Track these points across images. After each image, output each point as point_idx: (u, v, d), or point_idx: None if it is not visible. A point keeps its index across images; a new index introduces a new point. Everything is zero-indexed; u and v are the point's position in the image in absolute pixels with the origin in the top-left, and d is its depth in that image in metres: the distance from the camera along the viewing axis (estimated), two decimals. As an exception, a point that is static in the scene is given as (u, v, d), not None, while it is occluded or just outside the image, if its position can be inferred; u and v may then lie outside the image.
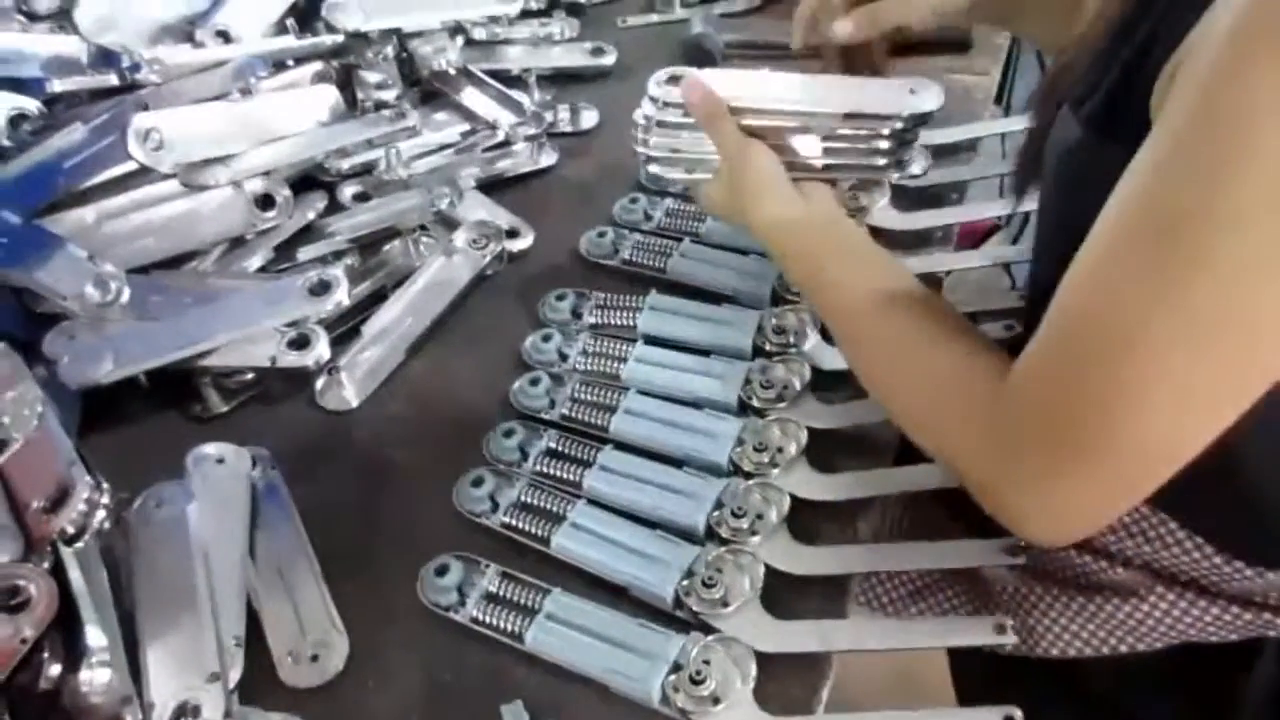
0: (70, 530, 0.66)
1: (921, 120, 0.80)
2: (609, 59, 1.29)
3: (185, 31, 1.11)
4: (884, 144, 0.81)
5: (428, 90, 1.19)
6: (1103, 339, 0.49)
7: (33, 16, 1.11)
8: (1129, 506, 0.54)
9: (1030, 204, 0.76)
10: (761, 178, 0.76)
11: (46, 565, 0.66)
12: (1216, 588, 0.71)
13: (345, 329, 0.92)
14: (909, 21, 0.93)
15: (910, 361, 0.64)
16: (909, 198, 1.00)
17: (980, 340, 0.63)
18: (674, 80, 0.81)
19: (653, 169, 0.85)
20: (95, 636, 0.63)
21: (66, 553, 0.66)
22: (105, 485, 0.69)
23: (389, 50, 1.14)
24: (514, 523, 0.74)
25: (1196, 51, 0.47)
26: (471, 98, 1.16)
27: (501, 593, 0.70)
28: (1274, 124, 0.42)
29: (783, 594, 0.68)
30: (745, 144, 0.76)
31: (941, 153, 1.06)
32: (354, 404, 0.87)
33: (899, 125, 0.80)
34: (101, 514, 0.68)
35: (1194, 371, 0.47)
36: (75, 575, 0.66)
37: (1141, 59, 0.53)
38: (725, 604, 0.66)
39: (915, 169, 0.91)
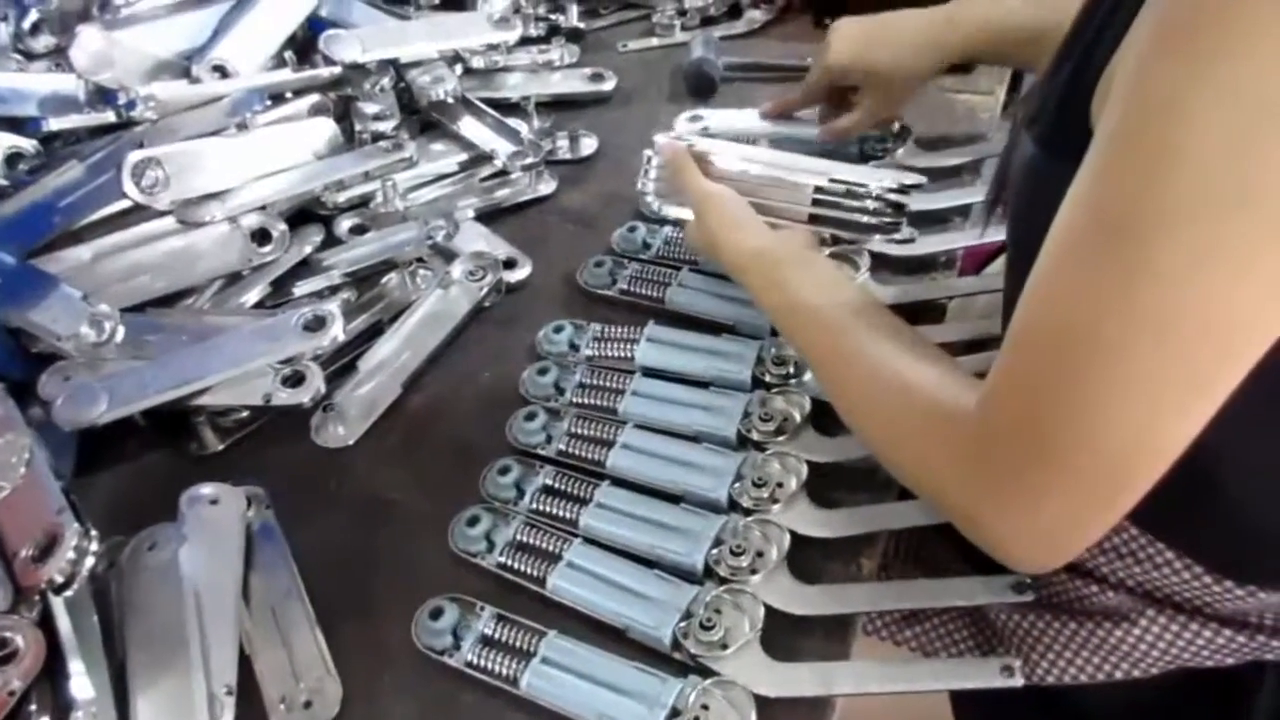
0: (59, 579, 0.66)
1: (901, 192, 0.85)
2: (608, 85, 1.28)
3: (182, 67, 1.11)
4: (870, 205, 0.85)
5: (426, 120, 1.19)
6: (1061, 349, 0.49)
7: (29, 55, 1.12)
8: (1114, 519, 0.52)
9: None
10: (726, 212, 0.81)
11: (35, 614, 0.65)
12: (1210, 609, 0.69)
13: (342, 363, 0.92)
14: (879, 115, 1.01)
15: (880, 388, 0.63)
16: (912, 224, 0.98)
17: (950, 364, 0.63)
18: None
19: (651, 200, 0.94)
20: (82, 689, 0.62)
21: (56, 602, 0.66)
22: (94, 532, 0.68)
23: (386, 81, 1.14)
24: (510, 563, 0.73)
25: (1125, 61, 0.48)
26: (469, 127, 1.16)
27: (497, 636, 0.69)
28: (1195, 119, 0.43)
29: (783, 634, 0.67)
30: (712, 187, 0.83)
31: (945, 174, 1.05)
32: (350, 441, 0.87)
33: (879, 192, 0.85)
34: (91, 561, 0.67)
35: (1154, 372, 0.46)
36: (64, 625, 0.66)
37: (1081, 72, 0.54)
38: (724, 646, 0.65)
39: (900, 236, 0.89)
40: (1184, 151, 0.43)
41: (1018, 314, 0.52)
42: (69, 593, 0.66)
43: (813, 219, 0.86)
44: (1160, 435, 0.48)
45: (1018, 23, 0.92)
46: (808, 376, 0.82)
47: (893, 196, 0.84)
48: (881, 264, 0.93)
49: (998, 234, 0.88)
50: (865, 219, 0.85)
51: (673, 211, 0.94)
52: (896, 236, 0.89)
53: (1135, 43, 0.48)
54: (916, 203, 0.99)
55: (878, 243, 0.92)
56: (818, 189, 0.85)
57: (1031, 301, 0.51)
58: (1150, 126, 0.44)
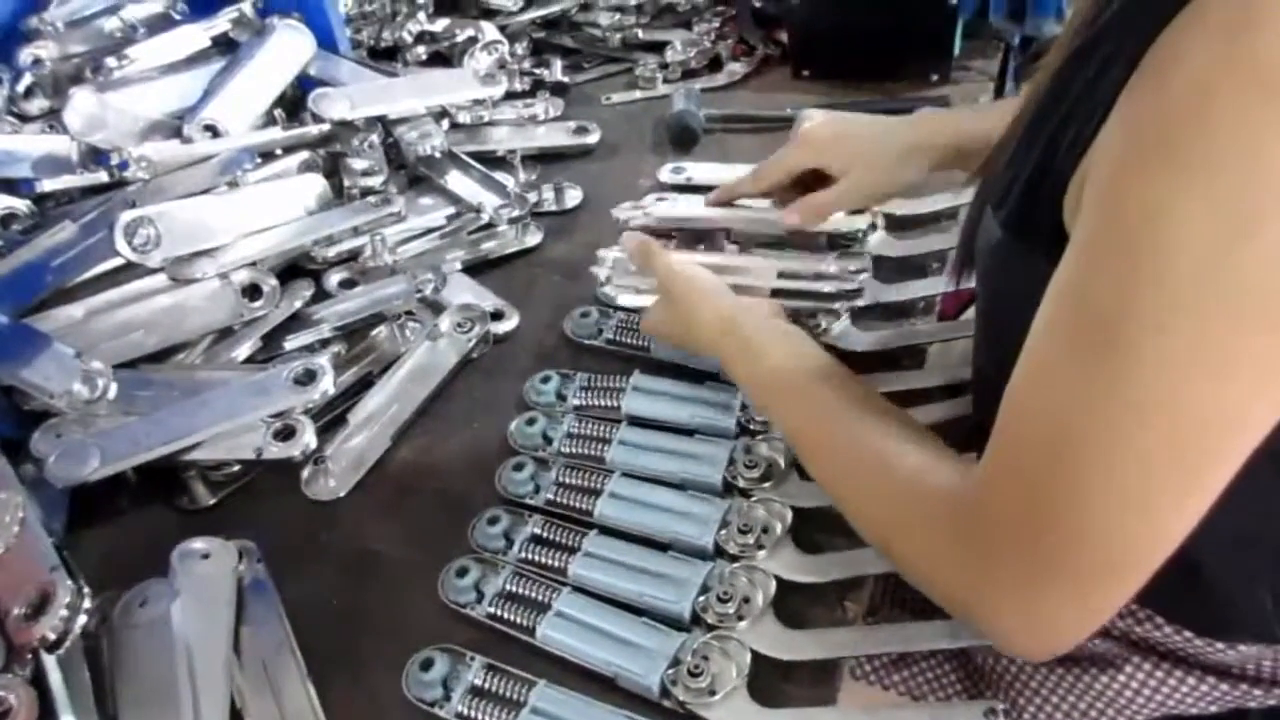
0: (51, 636, 0.66)
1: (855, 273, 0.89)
2: (593, 137, 1.31)
3: (174, 127, 1.12)
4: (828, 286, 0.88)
5: (414, 175, 1.21)
6: (1053, 448, 0.50)
7: (23, 118, 1.14)
8: (1115, 609, 0.53)
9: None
10: (695, 286, 0.82)
11: (27, 672, 0.66)
12: (1193, 659, 0.70)
13: (332, 416, 0.93)
14: (855, 206, 0.98)
15: (868, 472, 0.63)
16: (891, 268, 1.01)
17: (937, 446, 0.63)
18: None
19: (608, 290, 0.96)
20: (74, 747, 0.62)
21: (48, 660, 0.66)
22: (87, 590, 0.68)
23: (375, 138, 1.16)
24: (499, 613, 0.74)
25: (1096, 168, 0.49)
26: (456, 181, 1.17)
27: (487, 686, 0.69)
28: (1178, 227, 0.44)
29: (771, 680, 0.68)
30: (681, 264, 0.84)
31: (921, 222, 1.07)
32: (340, 493, 0.87)
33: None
34: (83, 618, 0.67)
35: (1148, 469, 0.47)
36: (56, 682, 0.66)
37: (1047, 164, 0.55)
38: (712, 693, 0.66)
39: (862, 301, 0.91)
40: (1168, 257, 0.44)
41: (1008, 409, 0.53)
42: (61, 651, 0.66)
43: (775, 293, 0.88)
44: (1157, 529, 0.49)
45: (978, 136, 0.88)
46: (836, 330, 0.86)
47: (849, 274, 0.87)
48: (862, 310, 0.95)
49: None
50: (827, 289, 0.88)
51: (629, 300, 0.95)
52: (859, 303, 0.91)
53: (1106, 148, 0.49)
54: (896, 250, 1.02)
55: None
56: (780, 274, 0.88)
57: (1021, 399, 0.52)
58: (1134, 234, 0.46)
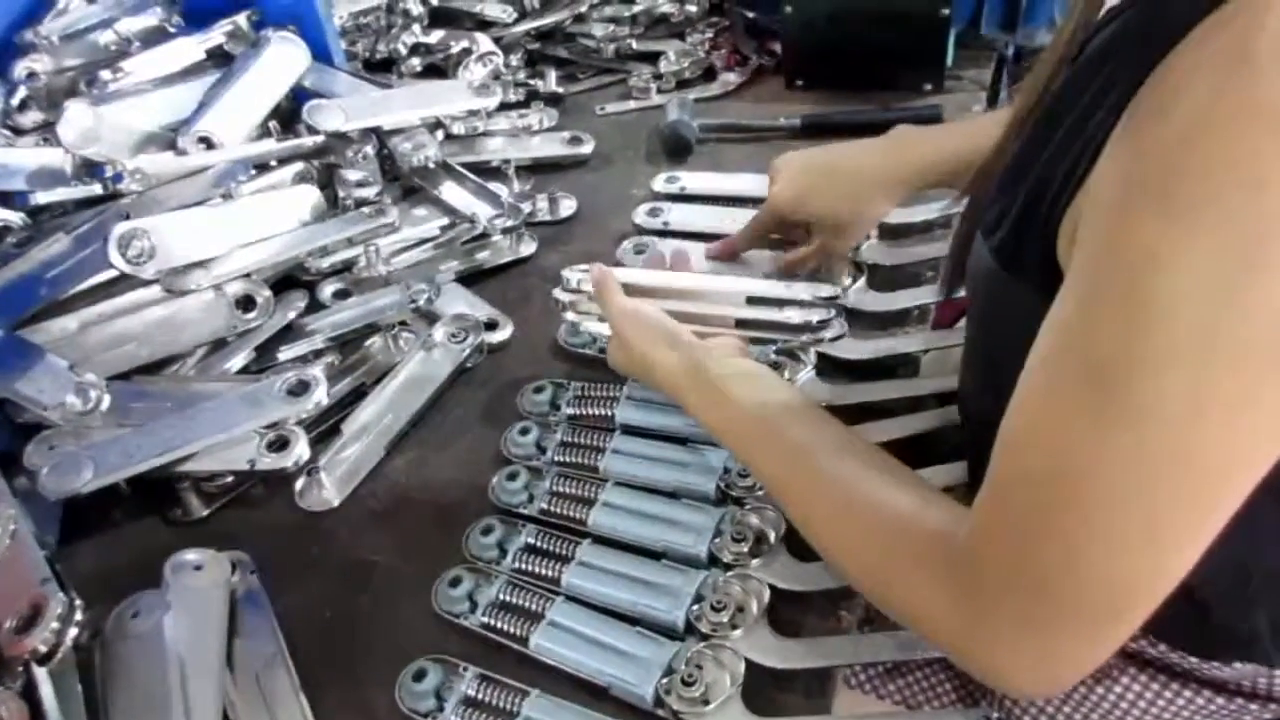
0: (43, 649, 0.66)
1: (826, 301, 0.86)
2: (587, 148, 1.31)
3: (168, 139, 1.13)
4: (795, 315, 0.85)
5: (408, 186, 1.22)
6: (1053, 492, 0.48)
7: (18, 131, 1.14)
8: (1116, 647, 0.52)
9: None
10: (649, 327, 0.78)
11: (18, 685, 0.66)
12: (1189, 674, 0.70)
13: (325, 427, 0.93)
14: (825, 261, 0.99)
15: (855, 516, 0.61)
16: (883, 278, 1.01)
17: (923, 487, 0.61)
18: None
19: (568, 316, 0.90)
20: (66, 760, 0.62)
21: (39, 673, 0.66)
22: (78, 602, 0.68)
23: (369, 149, 1.17)
24: (493, 622, 0.74)
25: (1092, 207, 0.49)
26: (450, 192, 1.18)
27: (480, 696, 0.69)
28: (1178, 271, 0.43)
29: (765, 689, 0.68)
30: (630, 304, 0.80)
31: (913, 230, 1.07)
32: (334, 503, 0.87)
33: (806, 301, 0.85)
34: (75, 631, 0.67)
35: (1149, 512, 0.46)
36: (47, 695, 0.66)
37: (1038, 197, 0.54)
38: (706, 702, 0.65)
39: (829, 333, 0.88)
40: (1168, 302, 0.43)
41: (1003, 451, 0.52)
42: (52, 664, 0.66)
43: (740, 324, 0.85)
44: (1160, 569, 0.48)
45: (960, 154, 0.89)
46: (801, 379, 0.84)
47: (820, 301, 0.84)
48: (856, 319, 0.96)
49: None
50: (796, 320, 0.85)
51: (593, 327, 0.90)
52: (827, 335, 0.88)
53: (1101, 186, 0.48)
54: (890, 259, 1.02)
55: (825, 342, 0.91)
56: (749, 299, 0.85)
57: (1016, 441, 0.51)
58: (1133, 278, 0.44)
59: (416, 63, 1.47)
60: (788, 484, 0.65)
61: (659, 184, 1.21)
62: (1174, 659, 0.69)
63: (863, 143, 0.97)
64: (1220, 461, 0.45)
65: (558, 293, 0.90)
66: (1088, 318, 0.47)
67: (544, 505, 0.82)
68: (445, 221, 1.16)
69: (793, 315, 0.84)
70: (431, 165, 1.19)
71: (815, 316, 0.84)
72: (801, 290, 0.85)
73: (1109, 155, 0.48)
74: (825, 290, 0.85)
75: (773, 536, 0.75)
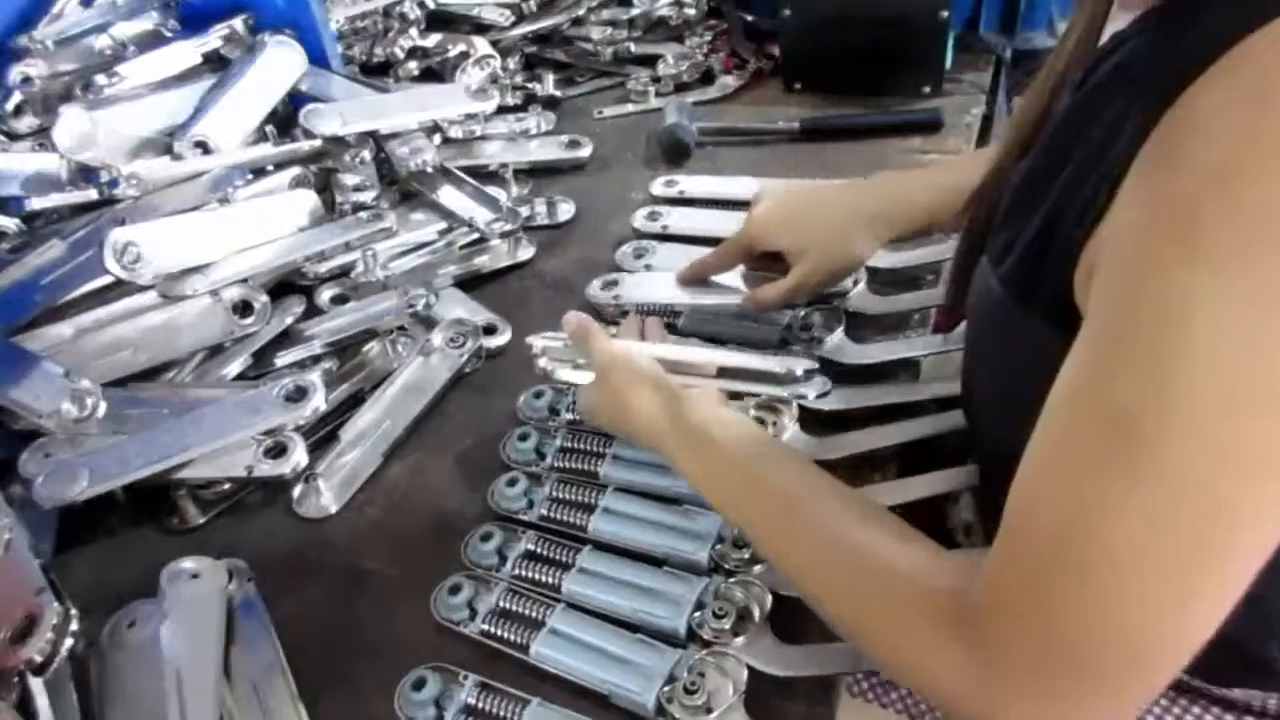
0: (38, 659, 0.65)
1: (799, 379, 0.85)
2: (585, 151, 1.31)
3: (164, 144, 1.12)
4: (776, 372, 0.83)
5: (405, 190, 1.21)
6: (1075, 547, 0.46)
7: (13, 136, 1.14)
8: (1143, 708, 0.50)
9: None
10: (634, 371, 0.76)
11: (14, 697, 0.65)
12: (1197, 691, 0.69)
13: (323, 433, 0.92)
14: (807, 296, 0.95)
15: (857, 570, 0.58)
16: (882, 280, 1.01)
17: (922, 541, 0.58)
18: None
19: (541, 363, 0.88)
20: (60, 772, 0.61)
21: (35, 683, 0.65)
22: (74, 611, 0.68)
23: (366, 153, 1.16)
24: (493, 630, 0.73)
25: (1111, 249, 0.47)
26: (448, 196, 1.17)
27: (480, 705, 0.69)
28: (1211, 322, 0.41)
29: (767, 697, 0.67)
30: (617, 348, 0.79)
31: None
32: (332, 510, 0.87)
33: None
34: (70, 641, 0.67)
35: (1176, 571, 0.44)
36: (43, 706, 0.65)
37: (1051, 229, 0.52)
38: (708, 710, 0.65)
39: (811, 392, 0.85)
40: (1200, 354, 0.42)
41: (1019, 505, 0.50)
42: (48, 674, 0.66)
43: (722, 371, 0.85)
44: (1191, 627, 0.46)
45: (945, 195, 0.87)
46: (786, 436, 0.82)
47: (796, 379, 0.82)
48: (857, 323, 0.95)
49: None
50: (778, 369, 0.83)
51: (567, 375, 0.87)
52: (810, 391, 0.84)
53: (1121, 227, 0.46)
54: (888, 262, 1.02)
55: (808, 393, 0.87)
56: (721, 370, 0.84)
57: (1034, 494, 0.49)
58: (1158, 329, 0.43)
59: (413, 66, 1.46)
60: (779, 538, 0.63)
61: (658, 188, 1.21)
62: (1183, 678, 0.68)
63: (847, 181, 0.96)
64: (1253, 514, 0.43)
65: (532, 339, 0.88)
66: (1109, 368, 0.45)
67: (544, 511, 0.81)
68: (443, 226, 1.15)
69: (775, 365, 0.82)
70: (429, 169, 1.19)
71: (799, 367, 0.82)
72: (776, 364, 0.82)
73: (1127, 195, 0.46)
74: (802, 365, 0.82)
75: (774, 542, 0.74)
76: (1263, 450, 0.42)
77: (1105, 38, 0.60)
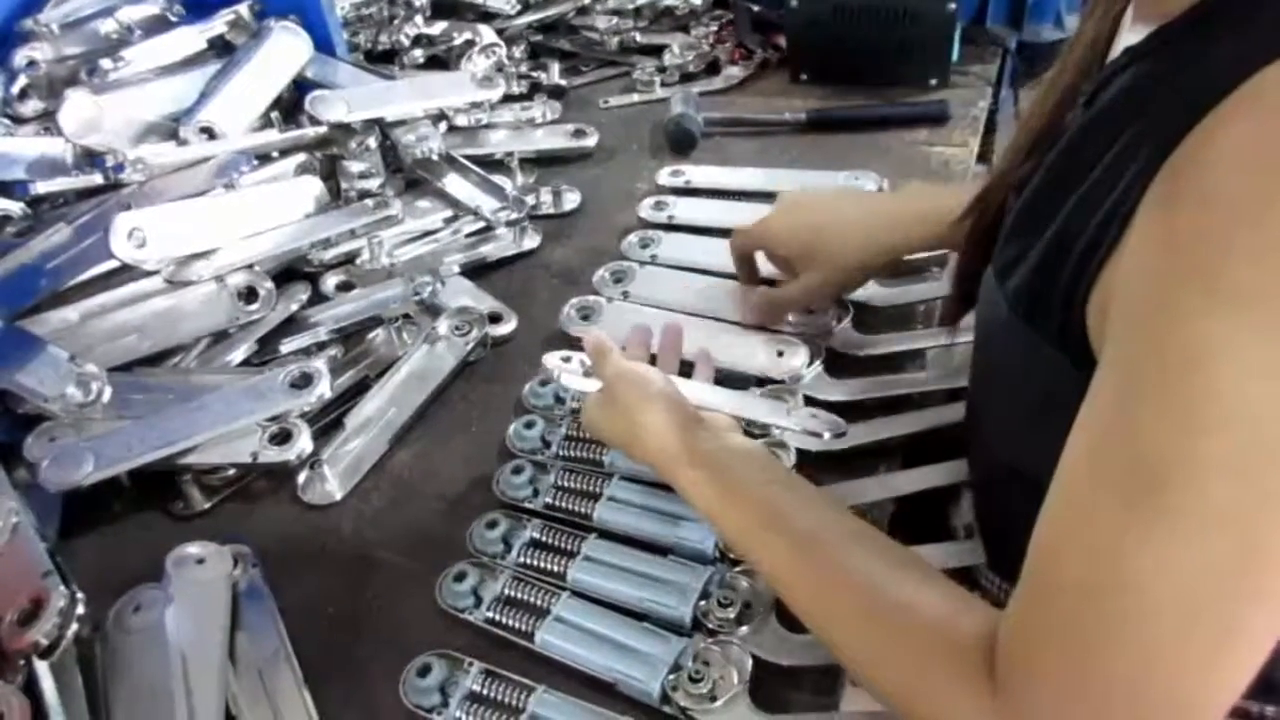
0: (44, 643, 0.65)
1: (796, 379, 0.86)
2: (591, 140, 1.30)
3: (170, 129, 1.12)
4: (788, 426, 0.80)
5: (411, 178, 1.21)
6: (1108, 603, 0.44)
7: (18, 120, 1.14)
8: None
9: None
10: (645, 390, 0.72)
11: (20, 680, 0.65)
12: None
13: (328, 420, 0.92)
14: (814, 304, 0.93)
15: (881, 615, 0.56)
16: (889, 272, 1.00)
17: (944, 583, 0.57)
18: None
19: (553, 370, 0.85)
20: (67, 755, 0.61)
21: (41, 667, 0.66)
22: (80, 595, 0.68)
23: (372, 140, 1.16)
24: (498, 618, 0.73)
25: (1126, 289, 0.46)
26: (454, 184, 1.17)
27: (485, 692, 0.69)
28: (1240, 366, 0.40)
29: (772, 686, 0.67)
30: (630, 366, 0.76)
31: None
32: (337, 497, 0.87)
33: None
34: (76, 625, 0.67)
35: (1219, 623, 0.43)
36: (49, 689, 0.65)
37: (1060, 253, 0.51)
38: (713, 698, 0.65)
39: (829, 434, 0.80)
40: (1226, 400, 0.41)
41: (1041, 554, 0.48)
42: (54, 657, 0.66)
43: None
44: (1229, 681, 0.44)
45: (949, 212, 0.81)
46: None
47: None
48: (862, 313, 0.95)
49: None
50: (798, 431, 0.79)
51: (577, 384, 0.83)
52: (825, 434, 0.79)
53: (1138, 263, 0.45)
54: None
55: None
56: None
57: (1057, 545, 0.48)
58: (1183, 375, 0.42)
59: (419, 54, 1.46)
60: (797, 578, 0.61)
61: (663, 178, 1.20)
62: None
63: (864, 197, 0.96)
64: None
65: (548, 359, 0.87)
66: (1133, 417, 0.44)
67: (549, 500, 0.81)
68: (449, 214, 1.15)
69: (794, 424, 0.79)
70: (435, 157, 1.18)
71: (825, 430, 0.78)
72: (794, 423, 0.79)
73: (1143, 230, 0.45)
74: (817, 425, 0.79)
75: (780, 533, 0.74)
76: None
77: (1118, 51, 0.58)
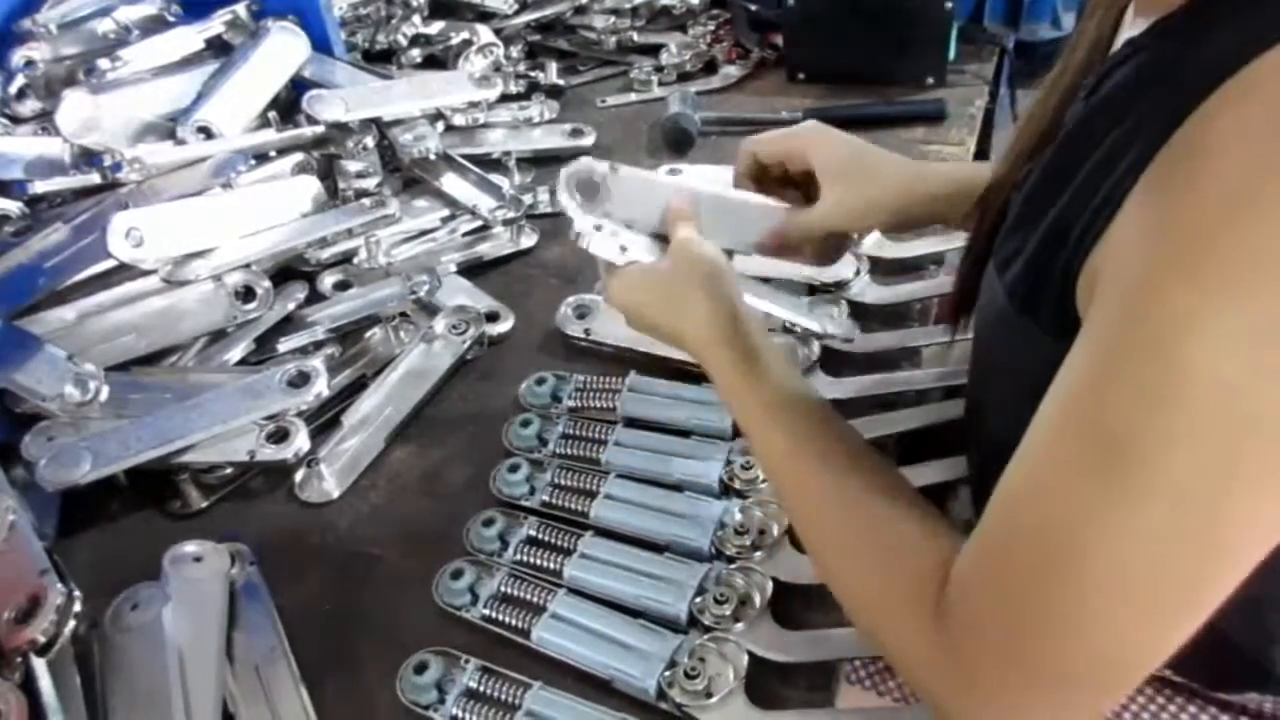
0: (42, 640, 0.65)
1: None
2: (588, 139, 1.31)
3: (167, 129, 1.12)
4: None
5: (408, 177, 1.21)
6: (1049, 555, 0.46)
7: (16, 119, 1.14)
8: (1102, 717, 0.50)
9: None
10: (713, 273, 0.69)
11: (17, 677, 0.65)
12: (1194, 693, 0.69)
13: (326, 419, 0.92)
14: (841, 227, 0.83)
15: (863, 534, 0.58)
16: (885, 269, 1.01)
17: (929, 514, 0.58)
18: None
19: (580, 230, 0.75)
20: (65, 752, 0.62)
21: (38, 664, 0.66)
22: (77, 593, 0.68)
23: (369, 140, 1.16)
24: (494, 615, 0.73)
25: (1113, 265, 0.47)
26: (451, 183, 1.18)
27: (482, 689, 0.69)
28: (1211, 342, 0.41)
29: (768, 682, 0.67)
30: (698, 248, 0.71)
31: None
32: (334, 495, 0.87)
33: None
34: (73, 623, 0.67)
35: (1155, 589, 0.44)
36: (46, 687, 0.65)
37: (1056, 242, 0.52)
38: (709, 695, 0.65)
39: (838, 330, 0.88)
40: (1198, 374, 0.41)
41: (1000, 511, 0.50)
42: (51, 654, 0.66)
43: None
44: (1156, 645, 0.46)
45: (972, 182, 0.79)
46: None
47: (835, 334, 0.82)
48: (858, 312, 0.95)
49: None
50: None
51: (601, 250, 0.74)
52: (839, 334, 0.87)
53: (1125, 244, 0.46)
54: (890, 251, 1.02)
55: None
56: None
57: (1015, 497, 0.49)
58: (1158, 349, 0.42)
59: (417, 54, 1.47)
60: (796, 479, 0.63)
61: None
62: (1183, 682, 0.68)
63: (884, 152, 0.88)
64: (1238, 539, 0.43)
65: (580, 224, 0.75)
66: (1104, 383, 0.45)
67: (545, 497, 0.81)
68: (446, 213, 1.16)
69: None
70: (432, 157, 1.19)
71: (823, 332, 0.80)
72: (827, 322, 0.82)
73: (1134, 211, 0.46)
74: (842, 327, 0.82)
75: (775, 529, 0.74)
76: (1255, 475, 0.42)
77: (1119, 43, 0.59)
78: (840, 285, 0.97)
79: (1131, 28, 0.56)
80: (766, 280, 0.94)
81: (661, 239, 0.75)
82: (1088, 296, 0.49)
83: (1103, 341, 0.46)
